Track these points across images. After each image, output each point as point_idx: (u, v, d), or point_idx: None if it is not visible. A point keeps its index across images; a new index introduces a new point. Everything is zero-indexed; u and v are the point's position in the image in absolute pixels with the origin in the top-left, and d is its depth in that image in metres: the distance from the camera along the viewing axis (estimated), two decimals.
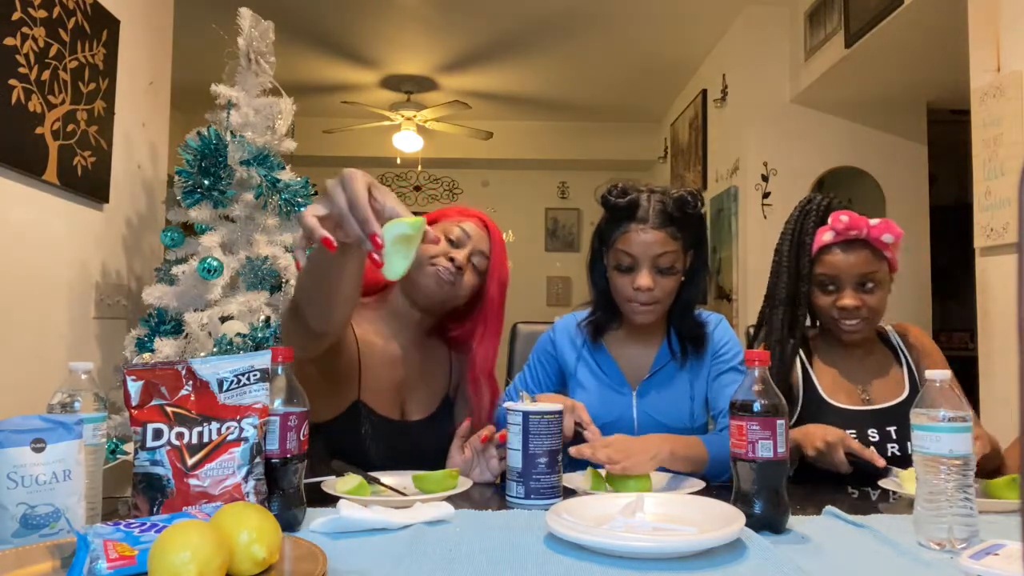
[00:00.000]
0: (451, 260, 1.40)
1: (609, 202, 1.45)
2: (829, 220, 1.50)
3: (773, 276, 1.58)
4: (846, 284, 1.49)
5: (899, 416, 1.46)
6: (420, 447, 1.43)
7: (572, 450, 1.25)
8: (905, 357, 1.57)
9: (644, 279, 1.41)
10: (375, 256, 0.93)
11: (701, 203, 1.45)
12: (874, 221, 1.49)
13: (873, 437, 1.45)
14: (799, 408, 1.51)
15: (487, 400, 1.49)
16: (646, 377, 1.53)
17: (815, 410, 1.50)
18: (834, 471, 1.34)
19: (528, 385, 1.60)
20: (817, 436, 1.35)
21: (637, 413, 1.51)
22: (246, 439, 0.96)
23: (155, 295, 2.22)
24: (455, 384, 1.58)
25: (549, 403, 1.24)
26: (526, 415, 1.19)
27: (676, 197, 1.43)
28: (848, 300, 1.48)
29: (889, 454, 1.43)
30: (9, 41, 1.84)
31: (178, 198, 2.24)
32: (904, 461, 1.32)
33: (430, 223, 1.37)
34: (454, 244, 1.43)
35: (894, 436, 1.45)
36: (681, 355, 1.52)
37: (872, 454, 1.31)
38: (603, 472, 1.29)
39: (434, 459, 1.38)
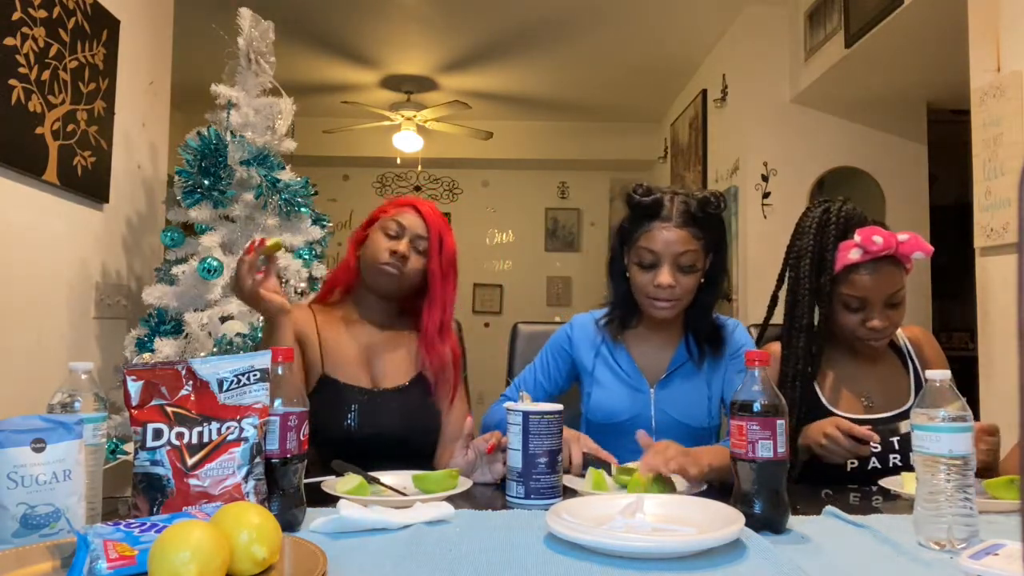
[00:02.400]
0: (393, 253, 1.52)
1: (634, 200, 1.48)
2: (857, 237, 1.41)
3: (791, 295, 1.50)
4: (875, 304, 1.43)
5: (892, 426, 1.44)
6: (391, 412, 1.51)
7: (642, 468, 1.23)
8: (913, 363, 1.54)
9: (665, 276, 1.44)
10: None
11: (724, 204, 1.47)
12: (902, 237, 1.42)
13: (875, 447, 1.42)
14: (801, 415, 1.49)
15: (441, 357, 1.59)
16: (664, 375, 1.54)
17: (816, 418, 1.47)
18: (851, 457, 1.34)
19: (537, 378, 1.62)
20: (817, 432, 1.37)
21: (655, 411, 1.51)
22: (246, 439, 0.96)
23: (155, 295, 2.22)
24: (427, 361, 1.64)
25: (549, 404, 1.24)
26: (526, 415, 1.19)
27: (700, 198, 1.45)
28: (879, 322, 1.43)
29: (891, 464, 1.41)
30: (9, 41, 1.84)
31: (178, 198, 2.24)
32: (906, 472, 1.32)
33: (369, 224, 1.60)
34: (393, 238, 1.55)
35: (896, 447, 1.42)
36: (699, 355, 1.53)
37: (865, 432, 1.33)
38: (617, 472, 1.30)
39: (408, 424, 1.51)
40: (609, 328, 1.57)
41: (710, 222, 1.47)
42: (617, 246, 1.55)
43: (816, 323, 1.49)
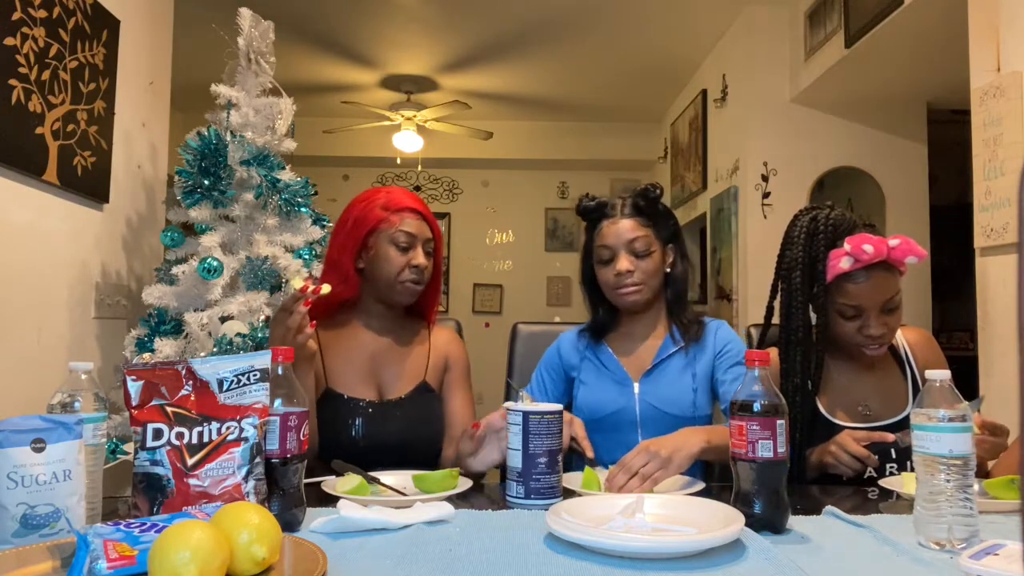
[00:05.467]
0: (414, 267, 1.52)
1: (581, 207, 1.63)
2: (847, 246, 1.39)
3: (785, 308, 1.49)
4: (871, 311, 1.42)
5: (899, 433, 1.41)
6: (394, 422, 1.50)
7: (613, 489, 1.24)
8: (911, 368, 1.52)
9: (623, 263, 1.54)
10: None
11: (661, 191, 1.58)
12: (893, 242, 1.40)
13: (876, 465, 1.43)
14: (802, 428, 1.47)
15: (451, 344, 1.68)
16: (648, 369, 1.57)
17: (816, 429, 1.47)
18: (864, 469, 1.34)
19: (535, 396, 1.65)
20: (829, 446, 1.37)
21: (639, 404, 1.55)
22: (246, 439, 0.96)
23: (155, 295, 2.22)
24: (435, 365, 1.61)
25: (549, 404, 1.25)
26: (526, 415, 1.19)
27: (638, 190, 1.58)
28: (876, 329, 1.42)
29: (888, 472, 1.41)
30: (9, 41, 1.84)
31: (178, 198, 2.24)
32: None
33: (367, 231, 1.53)
34: (406, 249, 1.53)
35: (893, 455, 1.41)
36: (684, 344, 1.58)
37: (880, 434, 1.33)
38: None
39: (411, 434, 1.49)
40: (590, 332, 1.66)
41: (654, 210, 1.58)
42: (585, 257, 1.66)
43: (813, 334, 1.48)
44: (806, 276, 1.45)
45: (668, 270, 1.61)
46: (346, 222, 1.56)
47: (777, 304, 1.57)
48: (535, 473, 1.18)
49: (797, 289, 1.46)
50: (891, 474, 1.40)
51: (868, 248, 1.37)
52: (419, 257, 1.53)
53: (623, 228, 1.56)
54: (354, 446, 1.46)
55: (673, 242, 1.62)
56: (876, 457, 1.34)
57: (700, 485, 1.27)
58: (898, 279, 1.44)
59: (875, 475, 1.40)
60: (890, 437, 1.32)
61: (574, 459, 1.51)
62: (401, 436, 1.49)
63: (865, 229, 1.45)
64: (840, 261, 1.40)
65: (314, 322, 1.35)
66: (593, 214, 1.61)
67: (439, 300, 1.70)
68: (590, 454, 1.35)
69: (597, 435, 1.46)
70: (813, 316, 1.48)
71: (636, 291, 1.55)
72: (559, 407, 1.23)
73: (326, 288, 1.35)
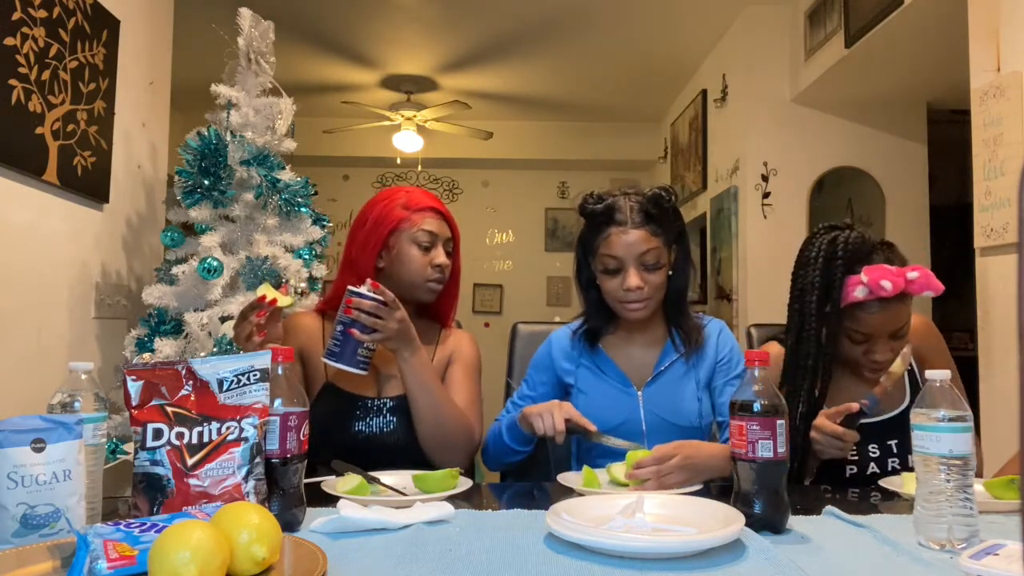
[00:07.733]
0: (436, 267, 1.53)
1: (587, 209, 1.50)
2: (865, 278, 1.34)
3: (795, 332, 1.43)
4: (880, 339, 1.39)
5: (899, 428, 1.41)
6: (393, 421, 1.48)
7: (631, 479, 1.26)
8: (911, 363, 1.50)
9: (633, 279, 1.45)
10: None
11: (675, 197, 1.49)
12: (912, 275, 1.34)
13: (873, 452, 1.41)
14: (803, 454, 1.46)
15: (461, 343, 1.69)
16: (651, 377, 1.53)
17: (811, 424, 1.47)
18: (850, 445, 1.30)
19: (526, 396, 1.62)
20: (811, 435, 1.35)
21: (645, 414, 1.50)
22: (246, 439, 0.96)
23: (155, 295, 2.22)
24: (439, 365, 1.60)
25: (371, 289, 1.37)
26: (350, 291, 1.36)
27: (651, 195, 1.47)
28: (881, 355, 1.39)
29: (890, 468, 1.40)
30: (9, 41, 1.84)
31: (178, 198, 2.24)
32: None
33: (388, 230, 1.52)
34: (428, 248, 1.53)
35: (894, 450, 1.41)
36: (686, 351, 1.53)
37: (846, 406, 1.30)
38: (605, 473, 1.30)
39: (409, 433, 1.46)
40: (585, 338, 1.58)
41: (665, 217, 1.49)
42: (581, 256, 1.56)
43: (822, 363, 1.42)
44: (821, 300, 1.39)
45: (670, 272, 1.52)
46: (365, 222, 1.55)
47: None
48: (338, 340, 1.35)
49: (811, 313, 1.40)
50: (893, 471, 1.39)
51: (887, 285, 1.32)
52: (441, 256, 1.53)
53: (634, 240, 1.45)
54: (351, 445, 1.45)
55: (677, 243, 1.53)
56: (855, 432, 1.29)
57: (698, 485, 1.27)
58: (910, 306, 1.40)
59: (877, 471, 1.40)
60: (855, 407, 1.28)
61: (575, 443, 1.51)
62: (398, 435, 1.48)
63: (882, 250, 1.40)
64: (855, 290, 1.35)
65: (264, 331, 1.35)
66: (600, 218, 1.49)
67: (457, 303, 1.65)
68: (592, 427, 1.35)
69: (603, 447, 1.44)
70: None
71: (643, 307, 1.48)
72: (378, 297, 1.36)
73: (283, 300, 1.35)
